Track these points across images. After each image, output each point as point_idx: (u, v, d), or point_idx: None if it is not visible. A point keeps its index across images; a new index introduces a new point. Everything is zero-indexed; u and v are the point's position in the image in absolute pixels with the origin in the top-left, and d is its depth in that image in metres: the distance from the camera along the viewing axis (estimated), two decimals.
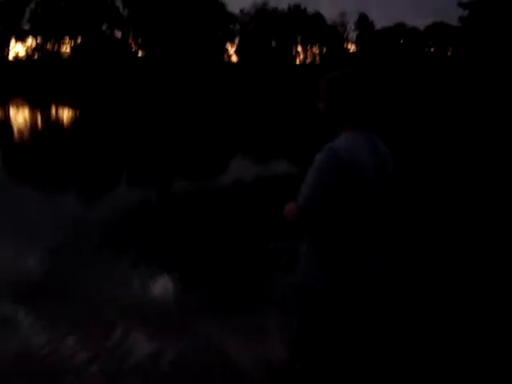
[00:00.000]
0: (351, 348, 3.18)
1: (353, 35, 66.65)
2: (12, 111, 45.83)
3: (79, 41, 69.16)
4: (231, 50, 67.84)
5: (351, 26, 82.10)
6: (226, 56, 66.59)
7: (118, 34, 69.41)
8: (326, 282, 2.95)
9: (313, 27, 67.61)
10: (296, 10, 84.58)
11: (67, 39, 70.55)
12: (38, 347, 4.56)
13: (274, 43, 65.07)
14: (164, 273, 6.36)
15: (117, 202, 10.08)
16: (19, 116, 40.28)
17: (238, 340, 4.64)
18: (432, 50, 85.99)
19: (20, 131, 27.91)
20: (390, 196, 2.99)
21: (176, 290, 5.95)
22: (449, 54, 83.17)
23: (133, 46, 66.82)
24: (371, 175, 2.81)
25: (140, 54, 65.88)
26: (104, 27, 69.09)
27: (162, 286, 6.06)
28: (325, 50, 65.48)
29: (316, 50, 67.19)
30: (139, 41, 66.90)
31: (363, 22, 79.62)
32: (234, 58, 67.46)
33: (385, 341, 4.13)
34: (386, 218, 3.16)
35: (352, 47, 65.95)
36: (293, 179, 7.07)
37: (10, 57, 77.21)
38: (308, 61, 66.23)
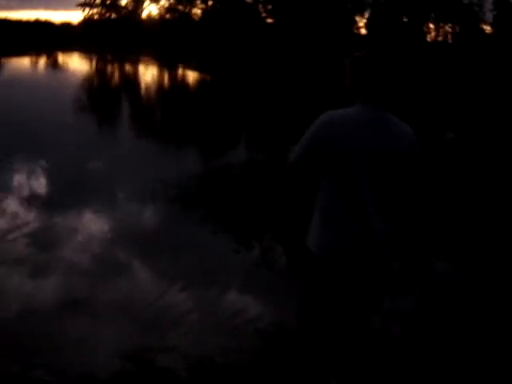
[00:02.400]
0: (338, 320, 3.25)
1: (489, 16, 63.64)
2: (141, 69, 47.47)
3: (210, 3, 70.08)
4: (361, 22, 66.88)
5: (488, 5, 79.22)
6: (354, 29, 65.79)
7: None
8: (319, 246, 3.08)
9: (447, 4, 65.31)
10: None
11: (199, 2, 71.69)
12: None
13: (405, 18, 63.54)
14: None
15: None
16: (148, 74, 41.65)
17: None
18: None
19: (146, 89, 28.92)
20: (417, 179, 3.01)
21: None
22: None
23: (262, 12, 67.09)
24: (357, 147, 2.90)
25: (269, 20, 66.05)
26: None
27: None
28: (458, 29, 63.37)
29: (449, 28, 65.09)
30: (269, 7, 67.01)
31: (501, 2, 76.02)
32: (363, 31, 66.53)
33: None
34: (411, 201, 3.10)
35: (488, 28, 63.23)
36: None
37: (144, 15, 79.67)
38: (440, 39, 64.38)
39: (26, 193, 8.05)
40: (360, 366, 3.58)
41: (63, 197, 7.85)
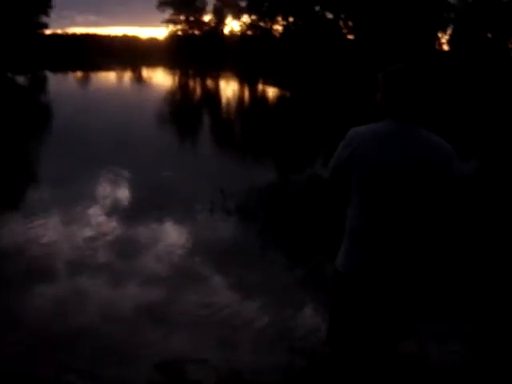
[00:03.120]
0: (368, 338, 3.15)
1: None
2: (222, 84, 48.18)
3: (291, 20, 70.53)
4: (443, 38, 65.65)
5: None
6: (437, 44, 64.64)
7: (330, 15, 69.77)
8: (343, 265, 3.04)
9: None
10: None
11: (280, 18, 72.28)
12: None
13: (489, 34, 61.95)
14: None
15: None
16: (228, 89, 42.22)
17: None
18: None
19: (227, 104, 29.31)
20: (448, 196, 2.88)
21: None
22: None
23: (343, 28, 66.95)
24: (381, 162, 2.85)
25: (350, 37, 65.83)
26: (317, 8, 70.03)
27: None
28: None
29: None
30: (350, 24, 66.83)
31: None
32: (446, 47, 65.28)
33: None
34: (439, 217, 2.97)
35: None
36: None
37: (226, 31, 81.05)
38: None
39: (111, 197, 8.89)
40: None
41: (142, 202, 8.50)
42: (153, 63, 72.03)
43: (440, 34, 66.91)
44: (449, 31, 66.85)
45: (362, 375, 3.40)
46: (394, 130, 2.91)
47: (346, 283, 3.09)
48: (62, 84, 42.61)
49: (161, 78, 53.94)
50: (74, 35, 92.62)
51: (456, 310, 5.21)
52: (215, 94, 38.11)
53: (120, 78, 51.55)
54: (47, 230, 7.06)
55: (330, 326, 3.29)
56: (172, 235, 7.12)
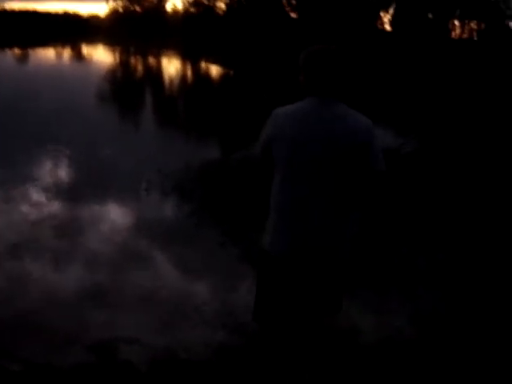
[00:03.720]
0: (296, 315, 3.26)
1: None
2: (164, 62, 47.64)
3: None
4: (385, 18, 66.39)
5: None
6: (379, 24, 65.34)
7: None
8: (268, 243, 3.13)
9: (473, 1, 64.63)
10: None
11: None
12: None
13: (430, 15, 62.97)
14: None
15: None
16: (170, 67, 41.79)
17: None
18: None
19: (169, 82, 29.06)
20: (368, 170, 2.90)
21: None
22: None
23: (286, 6, 66.90)
24: (299, 138, 2.90)
25: (293, 15, 65.86)
26: None
27: None
28: (483, 26, 62.68)
29: (474, 25, 64.35)
30: (293, 2, 66.83)
31: None
32: (388, 27, 66.03)
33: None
34: (362, 194, 2.99)
35: None
36: None
37: (168, 8, 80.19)
38: (465, 36, 63.67)
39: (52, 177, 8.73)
40: (322, 363, 3.64)
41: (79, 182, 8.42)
42: (93, 40, 70.55)
43: (382, 14, 67.62)
44: (391, 11, 67.56)
45: (288, 352, 3.46)
46: (311, 107, 2.95)
47: (269, 261, 3.14)
48: None
49: (101, 56, 52.88)
50: (11, 11, 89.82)
51: (384, 281, 5.33)
52: (157, 72, 37.60)
53: (59, 56, 50.36)
54: None
55: (256, 303, 3.32)
56: (109, 216, 7.02)
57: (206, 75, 36.65)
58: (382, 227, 6.57)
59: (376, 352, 4.12)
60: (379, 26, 65.02)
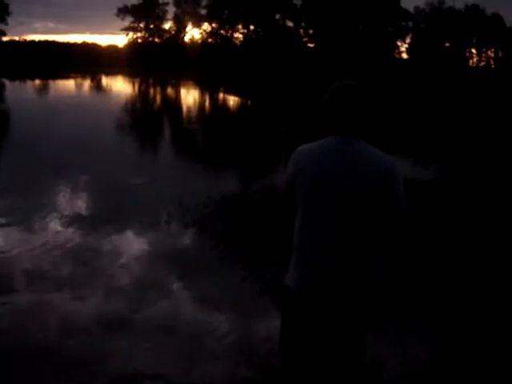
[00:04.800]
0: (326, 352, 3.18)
1: None
2: (182, 92, 48.07)
3: (252, 28, 70.86)
4: (402, 47, 66.79)
5: None
6: (396, 53, 65.70)
7: (290, 24, 70.36)
8: (292, 282, 3.06)
9: (490, 29, 64.84)
10: (473, 10, 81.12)
11: (240, 26, 72.58)
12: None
13: (447, 43, 63.23)
14: None
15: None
16: (189, 98, 42.14)
17: None
18: None
19: (188, 112, 29.30)
20: (388, 211, 2.88)
21: None
22: None
23: (304, 37, 67.51)
24: (321, 177, 2.89)
25: (310, 45, 66.42)
26: (277, 16, 70.45)
27: None
28: (501, 53, 62.77)
29: (491, 53, 64.49)
30: (310, 32, 67.45)
31: None
32: (405, 56, 66.39)
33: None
34: (387, 230, 2.99)
35: None
36: None
37: (186, 39, 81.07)
38: (482, 64, 63.79)
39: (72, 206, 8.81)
40: None
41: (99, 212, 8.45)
42: (112, 71, 71.56)
43: (399, 43, 68.08)
44: (408, 40, 68.02)
45: None
46: (334, 145, 2.93)
47: (292, 298, 3.09)
48: (20, 92, 42.06)
49: (120, 86, 53.61)
50: (32, 42, 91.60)
51: (407, 315, 5.26)
52: (175, 102, 38.02)
53: (79, 86, 51.08)
54: (3, 239, 6.95)
55: (281, 341, 3.27)
56: (130, 247, 7.02)
57: (224, 105, 36.92)
58: (404, 261, 6.51)
59: None
60: (396, 55, 65.32)
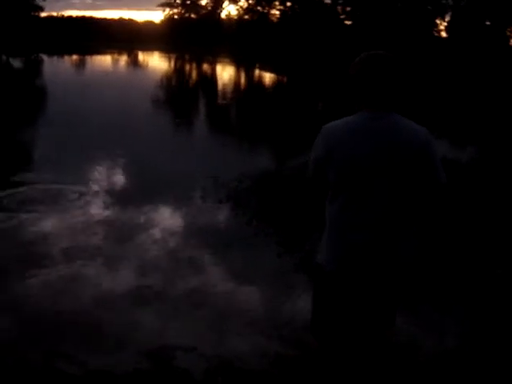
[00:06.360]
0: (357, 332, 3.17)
1: None
2: (218, 69, 47.99)
3: (289, 5, 70.06)
4: (441, 25, 65.44)
5: None
6: (435, 32, 64.42)
7: (327, 0, 69.42)
8: (326, 259, 3.03)
9: None
10: None
11: (277, 3, 71.88)
12: None
13: (487, 22, 61.78)
14: None
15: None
16: (225, 74, 42.05)
17: None
18: None
19: (224, 88, 29.26)
20: (428, 182, 2.82)
21: None
22: None
23: (341, 14, 66.59)
24: (356, 153, 2.80)
25: (348, 22, 65.53)
26: None
27: None
28: None
29: None
30: (347, 9, 66.48)
31: None
32: (444, 34, 65.07)
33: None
34: (420, 208, 2.95)
35: None
36: None
37: (223, 15, 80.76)
38: None
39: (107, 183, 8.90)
40: (380, 379, 3.59)
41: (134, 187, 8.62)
42: (149, 47, 71.79)
43: (438, 21, 66.66)
44: (447, 18, 66.56)
45: (346, 366, 3.42)
46: (366, 122, 2.85)
47: (325, 276, 3.09)
48: (58, 67, 42.45)
49: (157, 62, 53.77)
50: (69, 18, 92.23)
51: (442, 296, 5.23)
52: (211, 78, 37.99)
53: (116, 62, 51.37)
54: (41, 214, 7.05)
55: (313, 317, 3.28)
56: (165, 222, 7.09)
57: (260, 82, 36.75)
58: (444, 241, 6.45)
59: (434, 368, 4.05)
60: (435, 34, 64.08)
